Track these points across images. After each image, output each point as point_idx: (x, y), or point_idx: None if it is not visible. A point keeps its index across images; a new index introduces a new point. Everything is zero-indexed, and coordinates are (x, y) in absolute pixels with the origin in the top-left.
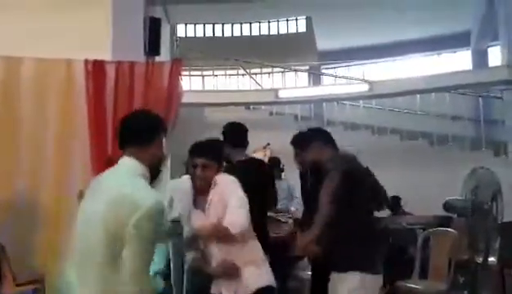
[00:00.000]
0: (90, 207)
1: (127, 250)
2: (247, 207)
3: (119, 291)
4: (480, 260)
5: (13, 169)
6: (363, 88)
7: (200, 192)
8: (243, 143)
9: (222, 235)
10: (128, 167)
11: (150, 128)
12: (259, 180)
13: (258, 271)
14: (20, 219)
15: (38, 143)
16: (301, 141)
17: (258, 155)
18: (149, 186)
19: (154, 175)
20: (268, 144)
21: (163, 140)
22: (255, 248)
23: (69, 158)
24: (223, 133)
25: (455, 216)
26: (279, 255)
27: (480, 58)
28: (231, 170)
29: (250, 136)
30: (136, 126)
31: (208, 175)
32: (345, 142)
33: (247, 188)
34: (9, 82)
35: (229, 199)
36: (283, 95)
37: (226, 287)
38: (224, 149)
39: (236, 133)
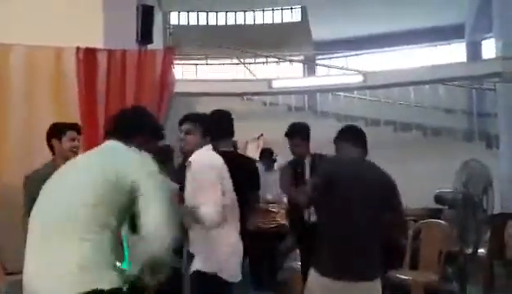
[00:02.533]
0: (72, 177)
1: (143, 199)
2: (218, 201)
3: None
4: (470, 251)
5: (3, 158)
6: (357, 79)
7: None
8: (227, 132)
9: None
10: (114, 144)
11: (132, 126)
12: (243, 178)
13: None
14: (8, 207)
15: (30, 131)
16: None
17: (251, 146)
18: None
19: None
20: (261, 134)
21: (149, 140)
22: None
23: None
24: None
25: (446, 208)
26: (271, 246)
27: (474, 50)
28: None
29: (244, 127)
30: (120, 121)
31: (190, 141)
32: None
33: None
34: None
35: (201, 190)
36: (277, 85)
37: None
38: (210, 125)
39: (220, 121)
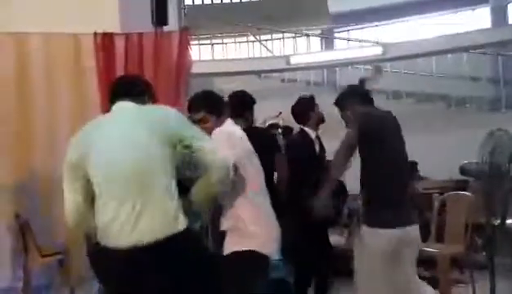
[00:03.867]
0: (116, 133)
1: (195, 140)
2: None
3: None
4: (497, 222)
5: (28, 145)
6: (377, 51)
7: None
8: (242, 113)
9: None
10: (129, 104)
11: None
12: (264, 144)
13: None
14: (38, 193)
15: (51, 118)
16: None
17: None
18: None
19: None
20: (280, 112)
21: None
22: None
23: None
24: (230, 100)
25: (471, 179)
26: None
27: (500, 15)
28: None
29: (262, 105)
30: (127, 82)
31: (207, 128)
32: None
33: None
34: (18, 59)
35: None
36: (294, 61)
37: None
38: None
39: (236, 103)
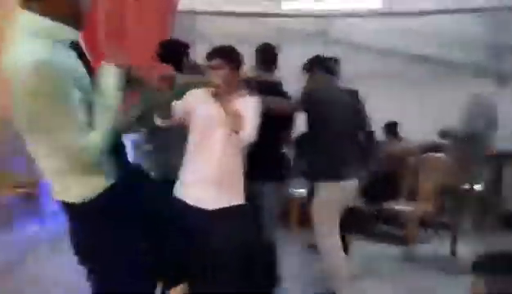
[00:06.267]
0: None
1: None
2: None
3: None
4: (466, 186)
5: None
6: (376, 5)
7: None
8: (271, 65)
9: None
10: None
11: None
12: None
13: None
14: None
15: None
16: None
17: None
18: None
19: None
20: None
21: None
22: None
23: None
24: (256, 52)
25: (449, 142)
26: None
27: None
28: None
29: (250, 51)
30: None
31: (219, 75)
32: (349, 63)
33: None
34: None
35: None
36: (287, 6)
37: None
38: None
39: (267, 54)
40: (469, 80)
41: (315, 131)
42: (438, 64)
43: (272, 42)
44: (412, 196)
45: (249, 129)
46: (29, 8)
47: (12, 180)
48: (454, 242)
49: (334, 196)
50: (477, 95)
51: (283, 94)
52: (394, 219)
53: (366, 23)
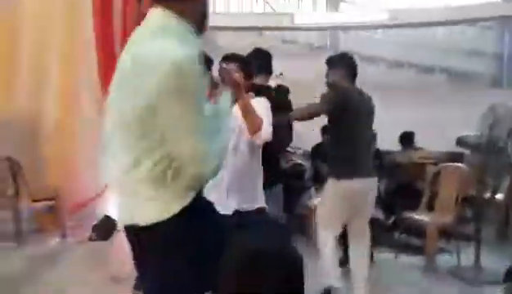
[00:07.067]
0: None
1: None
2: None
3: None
4: (488, 195)
5: (14, 87)
6: (383, 17)
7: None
8: (267, 69)
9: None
10: (156, 22)
11: None
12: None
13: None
14: (25, 136)
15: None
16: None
17: (271, 84)
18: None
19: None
20: (281, 73)
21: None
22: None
23: (75, 77)
24: (248, 57)
25: (467, 151)
26: (287, 184)
27: None
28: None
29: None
30: None
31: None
32: (360, 75)
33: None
34: None
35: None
36: (299, 20)
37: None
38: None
39: (261, 58)
40: (482, 90)
41: (337, 132)
42: (450, 75)
43: (285, 53)
44: (432, 206)
45: (266, 126)
46: (168, 7)
47: (33, 193)
48: (477, 252)
49: (340, 192)
50: (495, 105)
51: (288, 101)
52: (414, 229)
53: (378, 35)
